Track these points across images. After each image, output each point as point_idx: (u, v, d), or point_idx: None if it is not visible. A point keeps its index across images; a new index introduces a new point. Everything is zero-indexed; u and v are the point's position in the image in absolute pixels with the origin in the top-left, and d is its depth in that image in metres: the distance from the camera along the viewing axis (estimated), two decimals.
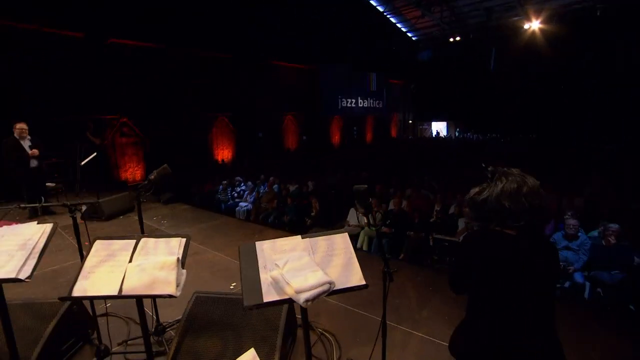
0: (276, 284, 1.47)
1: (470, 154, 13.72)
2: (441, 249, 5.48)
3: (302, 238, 1.69)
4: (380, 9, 17.34)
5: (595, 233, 4.94)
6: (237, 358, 1.92)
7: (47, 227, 1.81)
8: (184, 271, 1.70)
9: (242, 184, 9.97)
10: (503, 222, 1.35)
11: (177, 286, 1.62)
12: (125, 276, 1.64)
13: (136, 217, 6.08)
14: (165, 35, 11.04)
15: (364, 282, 1.51)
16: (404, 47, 19.23)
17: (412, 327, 2.52)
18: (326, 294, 1.41)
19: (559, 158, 10.82)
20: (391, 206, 6.79)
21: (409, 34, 19.47)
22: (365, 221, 1.61)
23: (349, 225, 6.97)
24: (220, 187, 9.54)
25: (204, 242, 4.67)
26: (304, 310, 1.55)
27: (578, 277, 4.05)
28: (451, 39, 15.61)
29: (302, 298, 1.35)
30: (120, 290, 1.61)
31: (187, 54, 11.94)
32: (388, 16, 18.04)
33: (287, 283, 1.41)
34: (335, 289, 1.45)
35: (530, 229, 1.33)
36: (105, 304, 2.91)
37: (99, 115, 10.02)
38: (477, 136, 24.70)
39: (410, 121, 25.38)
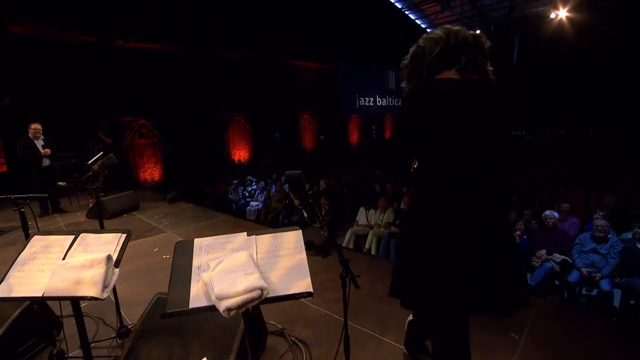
0: (205, 287, 1.25)
1: None
2: None
3: (248, 235, 1.46)
4: (398, 5, 16.89)
5: (628, 235, 4.44)
6: None
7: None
8: (117, 271, 1.50)
9: (254, 183, 9.89)
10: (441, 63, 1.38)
11: (105, 287, 1.43)
12: (51, 275, 1.47)
13: (139, 215, 6.10)
14: (181, 37, 11.14)
15: (310, 290, 1.26)
16: None
17: (397, 339, 2.22)
18: (256, 302, 1.17)
19: (589, 152, 10.01)
20: (402, 205, 6.45)
21: (429, 30, 18.85)
22: (306, 216, 1.34)
23: (357, 225, 6.68)
24: (231, 186, 9.50)
25: None
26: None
27: (605, 285, 3.60)
28: (471, 32, 14.92)
29: (222, 306, 1.12)
30: (44, 291, 1.44)
31: (203, 55, 12.00)
32: (407, 12, 17.54)
33: (212, 287, 1.19)
34: (270, 296, 1.21)
35: (474, 71, 1.37)
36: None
37: (118, 118, 10.22)
38: None
39: None
